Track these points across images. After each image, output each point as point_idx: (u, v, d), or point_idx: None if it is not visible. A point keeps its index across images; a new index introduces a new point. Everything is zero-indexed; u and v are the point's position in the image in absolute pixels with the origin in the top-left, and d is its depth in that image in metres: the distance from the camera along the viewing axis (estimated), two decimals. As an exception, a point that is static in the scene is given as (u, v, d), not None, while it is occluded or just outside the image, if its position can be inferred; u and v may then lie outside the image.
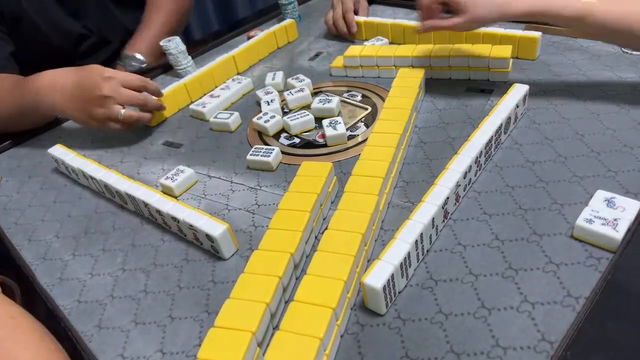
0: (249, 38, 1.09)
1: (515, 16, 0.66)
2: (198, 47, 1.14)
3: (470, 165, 0.58)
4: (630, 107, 0.69)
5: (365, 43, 0.97)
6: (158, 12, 1.12)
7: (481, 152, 0.61)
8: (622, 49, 0.82)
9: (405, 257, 0.48)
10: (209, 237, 0.57)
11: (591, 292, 0.46)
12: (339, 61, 0.93)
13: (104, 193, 0.73)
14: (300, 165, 0.64)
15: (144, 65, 1.05)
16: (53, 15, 1.02)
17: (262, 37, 1.05)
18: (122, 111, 0.78)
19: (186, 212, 0.59)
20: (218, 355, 0.43)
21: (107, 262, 0.62)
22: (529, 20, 0.68)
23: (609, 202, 0.52)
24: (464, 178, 0.58)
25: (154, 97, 0.83)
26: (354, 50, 0.90)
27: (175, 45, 0.98)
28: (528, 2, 0.65)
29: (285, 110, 0.86)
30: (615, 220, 0.49)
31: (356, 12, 1.07)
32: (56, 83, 0.79)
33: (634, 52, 0.80)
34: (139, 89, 0.80)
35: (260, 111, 0.83)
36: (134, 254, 0.62)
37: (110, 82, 0.76)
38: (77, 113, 0.79)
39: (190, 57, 1.01)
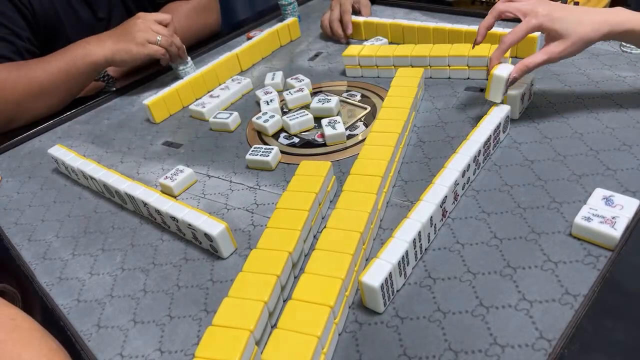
0: (248, 39, 1.09)
1: (624, 31, 0.60)
2: (198, 47, 1.14)
3: (469, 164, 0.58)
4: (629, 105, 0.69)
5: (365, 43, 0.97)
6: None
7: (480, 151, 0.61)
8: (622, 47, 0.82)
9: (404, 256, 0.48)
10: (207, 236, 0.57)
11: (589, 290, 0.46)
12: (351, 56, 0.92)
13: (103, 193, 0.73)
14: (299, 164, 0.64)
15: None
16: (79, 14, 1.05)
17: (265, 35, 1.06)
18: (159, 37, 0.92)
19: (185, 212, 0.59)
20: (216, 353, 0.43)
21: (107, 261, 0.62)
22: (628, 36, 0.62)
23: (608, 201, 0.52)
24: (463, 177, 0.58)
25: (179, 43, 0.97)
26: (352, 50, 0.90)
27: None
28: (631, 15, 0.60)
29: (285, 110, 0.86)
30: (613, 218, 0.49)
31: (358, 12, 1.07)
32: (101, 36, 0.94)
33: (634, 51, 0.80)
34: (168, 33, 0.95)
35: (260, 111, 0.83)
36: (133, 254, 0.62)
37: (144, 17, 0.94)
38: (122, 44, 0.91)
39: (189, 58, 1.01)
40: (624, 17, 0.60)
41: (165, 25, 0.96)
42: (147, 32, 0.92)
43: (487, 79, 0.80)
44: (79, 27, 1.03)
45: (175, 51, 0.96)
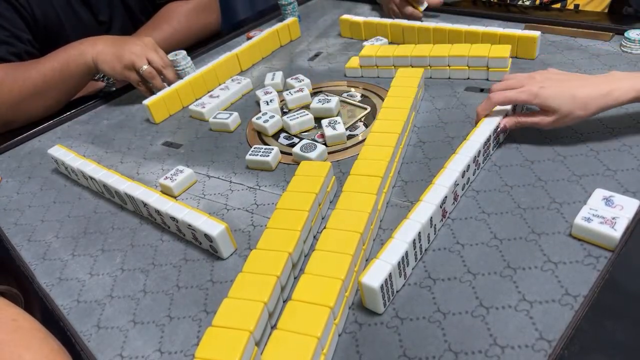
0: (248, 39, 1.09)
1: (620, 104, 0.59)
2: (198, 47, 1.14)
3: (469, 165, 0.58)
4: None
5: (365, 43, 0.97)
6: (169, 22, 1.12)
7: (480, 151, 0.60)
8: (622, 48, 0.82)
9: (403, 257, 0.48)
10: (207, 236, 0.57)
11: (589, 291, 0.46)
12: (353, 61, 0.92)
13: (103, 193, 0.73)
14: (299, 164, 0.64)
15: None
16: (79, 16, 1.04)
17: (265, 35, 1.06)
18: (145, 67, 0.90)
19: (185, 212, 0.59)
20: (216, 354, 0.43)
21: (106, 262, 0.62)
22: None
23: (608, 201, 0.52)
24: (463, 177, 0.58)
25: (169, 76, 0.95)
26: (368, 50, 0.89)
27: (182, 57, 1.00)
28: (633, 85, 0.58)
29: (285, 110, 0.86)
30: (613, 218, 0.49)
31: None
32: (98, 39, 0.93)
33: (634, 51, 0.80)
34: (163, 63, 0.94)
35: (260, 111, 0.83)
36: (133, 254, 0.62)
37: (144, 41, 0.93)
38: (110, 56, 0.90)
39: (189, 58, 1.01)
40: (623, 88, 0.58)
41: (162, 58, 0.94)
42: (138, 57, 0.90)
43: (486, 79, 0.81)
44: (80, 29, 1.03)
45: (158, 84, 0.93)
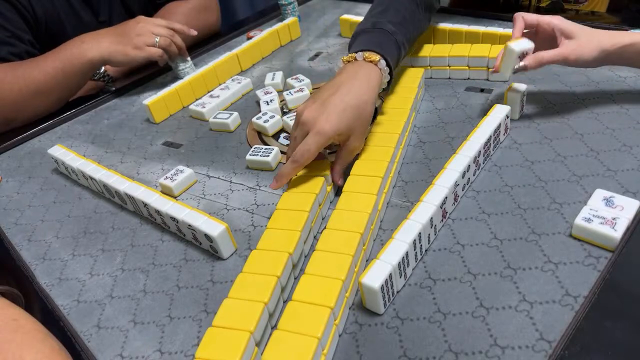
0: (248, 38, 1.09)
1: (629, 44, 0.62)
2: (198, 47, 1.14)
3: (469, 165, 0.58)
4: (629, 106, 0.68)
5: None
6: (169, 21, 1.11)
7: (480, 151, 0.60)
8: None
9: (404, 257, 0.48)
10: (207, 236, 0.57)
11: (590, 292, 0.46)
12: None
13: (103, 193, 0.73)
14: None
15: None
16: (80, 16, 1.05)
17: (265, 35, 1.06)
18: (157, 38, 0.93)
19: (185, 212, 0.59)
20: (216, 354, 0.43)
21: (106, 262, 0.62)
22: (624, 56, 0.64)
23: (608, 201, 0.52)
24: (463, 177, 0.58)
25: (180, 34, 0.97)
26: None
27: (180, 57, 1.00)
28: (626, 35, 0.63)
29: (285, 110, 0.86)
30: (614, 219, 0.49)
31: None
32: (98, 33, 0.94)
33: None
34: (167, 32, 0.95)
35: (260, 111, 0.83)
36: (133, 254, 0.62)
37: (144, 20, 0.95)
38: (120, 46, 0.91)
39: (189, 58, 1.01)
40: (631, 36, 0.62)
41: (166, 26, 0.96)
42: (145, 36, 0.92)
43: (486, 79, 0.81)
44: (80, 29, 1.02)
45: (174, 50, 0.96)
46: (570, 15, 0.94)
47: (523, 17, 0.67)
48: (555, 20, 0.65)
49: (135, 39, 0.91)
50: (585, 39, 0.63)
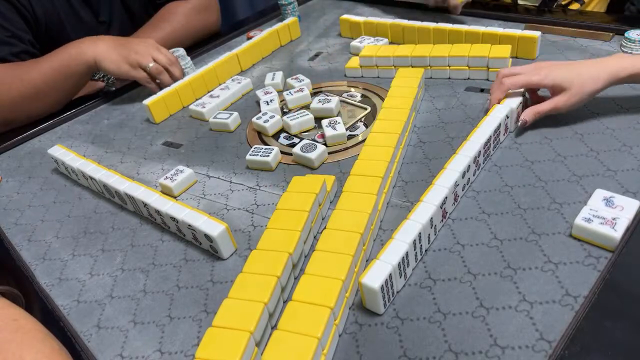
0: (248, 38, 1.09)
1: (626, 76, 0.62)
2: (198, 47, 1.14)
3: (469, 165, 0.58)
4: (629, 106, 0.68)
5: (353, 42, 0.97)
6: (169, 22, 1.11)
7: (480, 151, 0.60)
8: (622, 47, 0.82)
9: (404, 257, 0.48)
10: (207, 237, 0.57)
11: (590, 292, 0.46)
12: (354, 61, 0.93)
13: (103, 193, 0.73)
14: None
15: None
16: (80, 16, 1.04)
17: (265, 35, 1.06)
18: (151, 64, 0.92)
19: (185, 212, 0.59)
20: (216, 354, 0.43)
21: (106, 262, 0.62)
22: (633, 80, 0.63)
23: (608, 201, 0.52)
24: (463, 178, 0.58)
25: (176, 73, 0.96)
26: (368, 50, 0.90)
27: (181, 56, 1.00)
28: (631, 60, 0.62)
29: (285, 110, 0.86)
30: (614, 219, 0.49)
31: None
32: (98, 38, 0.93)
33: (634, 52, 0.80)
34: (169, 60, 0.95)
35: (260, 111, 0.83)
36: (133, 254, 0.62)
37: (147, 41, 0.95)
38: (116, 56, 0.91)
39: (189, 58, 1.01)
40: (626, 63, 0.62)
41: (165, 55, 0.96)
42: (142, 56, 0.92)
43: (486, 79, 0.81)
44: (80, 29, 1.03)
45: (167, 80, 0.94)
46: (558, 16, 0.94)
47: (506, 87, 0.67)
48: (543, 82, 0.65)
49: (132, 55, 0.91)
50: (575, 90, 0.63)
